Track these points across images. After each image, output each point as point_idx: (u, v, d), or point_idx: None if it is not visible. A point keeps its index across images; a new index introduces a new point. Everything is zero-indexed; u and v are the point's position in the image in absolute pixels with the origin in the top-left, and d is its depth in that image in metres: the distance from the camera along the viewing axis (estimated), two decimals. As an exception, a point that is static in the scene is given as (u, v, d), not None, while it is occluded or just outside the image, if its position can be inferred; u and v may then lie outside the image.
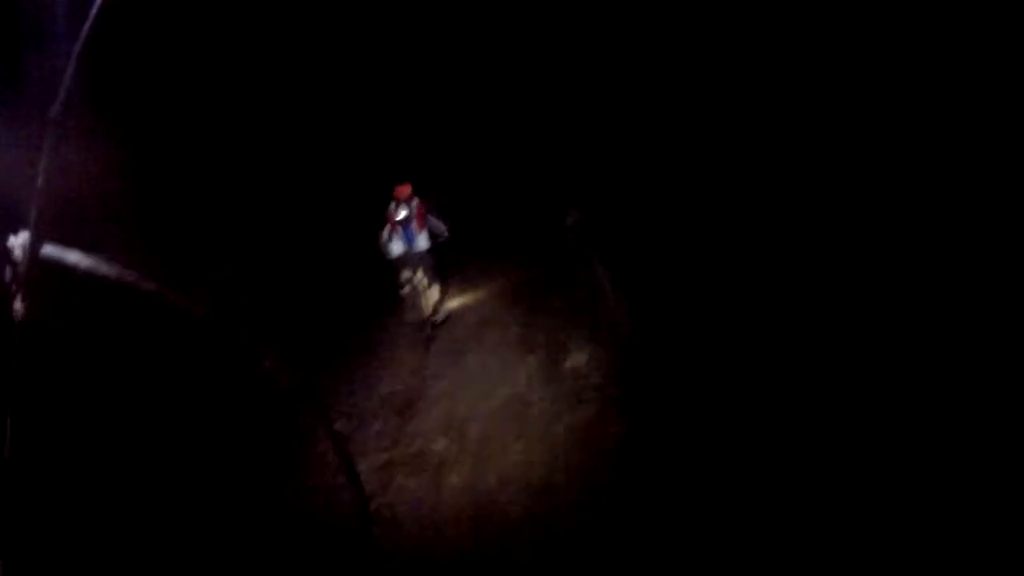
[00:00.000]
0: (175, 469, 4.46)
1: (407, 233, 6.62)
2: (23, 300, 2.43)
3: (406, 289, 6.60)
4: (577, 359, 5.36)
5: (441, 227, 6.75)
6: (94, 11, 2.71)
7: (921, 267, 4.09)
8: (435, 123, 8.11)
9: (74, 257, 2.55)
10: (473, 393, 5.46)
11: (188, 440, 4.69)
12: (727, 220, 5.45)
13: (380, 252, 6.66)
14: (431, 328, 6.72)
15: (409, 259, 6.55)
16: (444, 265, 7.10)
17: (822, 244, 4.70)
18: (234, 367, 4.61)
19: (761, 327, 4.51)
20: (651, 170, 6.41)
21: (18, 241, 2.53)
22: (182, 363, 5.09)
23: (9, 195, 2.94)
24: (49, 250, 2.53)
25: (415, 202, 6.66)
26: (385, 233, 6.63)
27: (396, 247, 6.65)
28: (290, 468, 4.88)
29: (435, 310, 6.84)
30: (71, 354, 4.31)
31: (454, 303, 7.00)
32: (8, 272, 2.45)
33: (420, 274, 6.60)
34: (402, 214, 6.64)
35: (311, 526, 4.16)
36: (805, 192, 5.00)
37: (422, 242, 6.67)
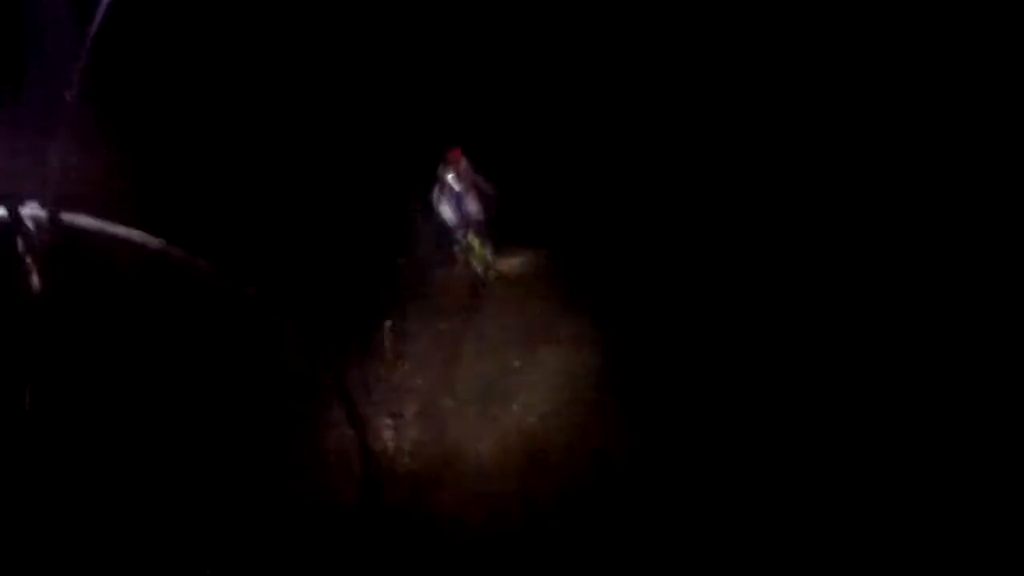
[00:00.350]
0: (189, 430, 3.11)
1: (458, 195, 6.31)
2: (38, 270, 2.58)
3: (456, 249, 6.40)
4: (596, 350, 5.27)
5: (489, 190, 6.52)
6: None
7: (921, 270, 4.05)
8: (484, 90, 6.75)
9: (84, 221, 2.74)
10: (499, 362, 5.30)
11: (200, 400, 3.18)
12: (730, 219, 5.32)
13: (432, 213, 6.25)
14: (481, 287, 6.46)
15: (460, 221, 6.42)
16: (493, 228, 6.53)
17: (821, 244, 4.66)
18: (245, 322, 3.19)
19: (765, 326, 4.48)
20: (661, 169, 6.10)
21: (28, 212, 2.51)
22: (192, 322, 3.08)
23: (17, 179, 2.21)
24: (60, 217, 2.65)
25: (465, 165, 6.40)
26: (435, 194, 6.42)
27: (447, 209, 6.34)
28: (303, 427, 3.80)
29: (486, 270, 6.52)
30: (86, 323, 2.60)
31: (504, 266, 6.53)
32: (21, 243, 2.51)
33: (471, 235, 6.47)
34: (452, 177, 6.30)
35: (321, 484, 3.53)
36: (805, 194, 4.92)
37: (472, 205, 6.37)
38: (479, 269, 6.49)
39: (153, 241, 2.88)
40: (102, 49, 2.49)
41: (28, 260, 2.43)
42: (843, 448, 3.62)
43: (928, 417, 3.57)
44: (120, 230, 2.68)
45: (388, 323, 5.88)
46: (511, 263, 6.51)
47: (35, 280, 2.48)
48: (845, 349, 4.00)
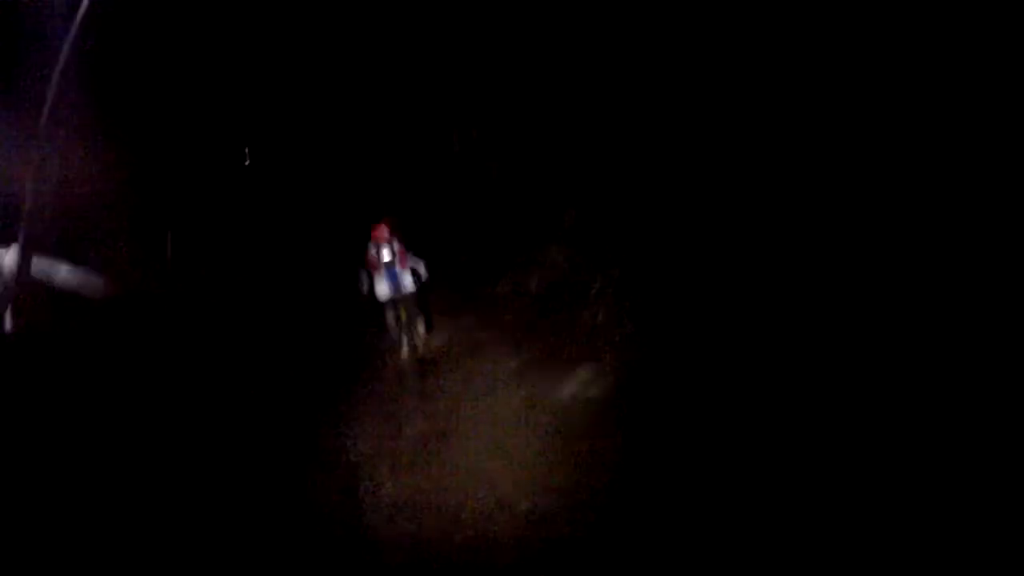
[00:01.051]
0: (172, 468, 3.25)
1: (391, 274, 6.25)
2: (13, 314, 2.60)
3: (393, 330, 6.35)
4: (574, 384, 5.28)
5: (420, 264, 6.59)
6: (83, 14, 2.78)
7: (924, 274, 4.06)
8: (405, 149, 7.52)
9: (63, 271, 2.78)
10: (468, 425, 5.29)
11: (185, 441, 3.37)
12: (727, 224, 5.33)
13: (361, 295, 6.25)
14: (421, 365, 6.42)
15: (396, 300, 6.39)
16: (426, 302, 6.74)
17: (824, 248, 4.65)
18: (224, 365, 3.49)
19: (761, 335, 4.48)
20: (647, 173, 6.18)
21: (7, 257, 2.58)
22: (173, 362, 3.42)
23: (15, 180, 2.39)
24: (38, 264, 2.70)
25: (395, 242, 6.44)
26: (364, 276, 6.40)
27: (382, 289, 6.28)
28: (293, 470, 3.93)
29: (425, 347, 6.53)
30: (62, 363, 2.86)
31: (443, 339, 6.66)
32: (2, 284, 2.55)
33: (405, 313, 6.46)
34: (385, 256, 6.27)
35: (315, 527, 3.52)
36: (809, 196, 4.91)
37: (407, 282, 6.32)
38: (407, 346, 6.34)
39: (135, 295, 2.92)
40: (101, 49, 2.67)
41: (2, 305, 2.49)
42: (844, 449, 3.61)
43: (928, 417, 3.54)
44: (100, 282, 2.74)
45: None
46: (451, 335, 6.52)
47: (7, 326, 2.52)
48: (846, 350, 3.98)
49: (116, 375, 3.64)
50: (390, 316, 6.29)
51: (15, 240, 2.48)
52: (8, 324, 2.54)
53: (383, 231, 6.29)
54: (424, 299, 6.57)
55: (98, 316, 3.10)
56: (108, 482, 3.33)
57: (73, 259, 2.56)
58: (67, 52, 2.42)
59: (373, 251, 6.25)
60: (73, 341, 3.20)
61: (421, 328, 6.46)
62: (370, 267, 6.26)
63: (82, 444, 3.28)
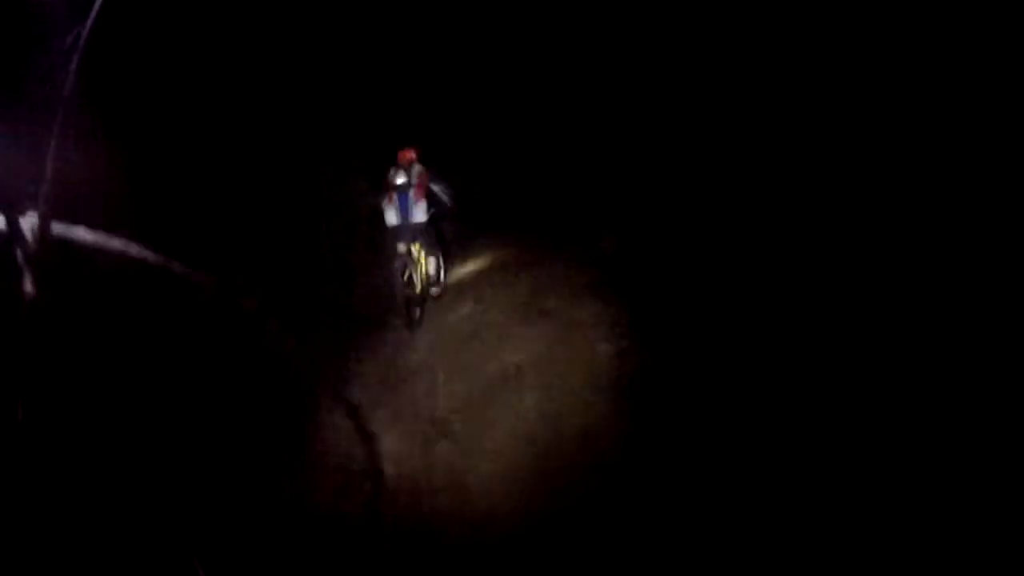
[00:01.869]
0: (185, 442, 3.08)
1: (403, 201, 5.89)
2: (33, 280, 2.58)
3: (398, 262, 5.89)
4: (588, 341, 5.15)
5: (444, 196, 6.18)
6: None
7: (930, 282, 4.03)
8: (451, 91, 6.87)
9: (81, 233, 2.75)
10: (470, 371, 5.13)
11: (198, 412, 3.16)
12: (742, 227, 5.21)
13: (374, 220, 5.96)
14: (423, 302, 6.12)
15: (404, 230, 5.96)
16: (446, 237, 6.43)
17: (812, 242, 4.68)
18: (241, 335, 3.21)
19: (776, 331, 4.41)
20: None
21: (27, 222, 2.51)
22: (191, 335, 3.11)
23: (13, 184, 2.25)
24: (57, 229, 2.66)
25: (417, 168, 6.04)
26: (383, 200, 6.03)
27: (390, 216, 5.93)
28: (302, 437, 3.70)
29: (431, 284, 6.19)
30: (81, 332, 2.63)
31: (453, 278, 6.32)
32: (19, 253, 2.51)
33: (416, 246, 6.02)
34: (399, 180, 5.93)
35: (322, 498, 3.39)
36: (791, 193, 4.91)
37: (419, 213, 5.93)
38: (417, 284, 5.98)
39: (151, 255, 2.88)
40: (100, 50, 2.54)
41: (25, 271, 2.43)
42: (845, 450, 3.64)
43: (928, 417, 3.59)
44: (117, 243, 2.69)
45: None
46: (462, 275, 6.28)
47: (31, 291, 2.47)
48: (848, 352, 3.99)
49: (138, 336, 3.58)
50: (399, 246, 5.87)
51: (37, 206, 2.40)
52: (29, 289, 2.49)
53: (406, 154, 5.95)
54: (442, 234, 6.33)
55: (118, 278, 3.01)
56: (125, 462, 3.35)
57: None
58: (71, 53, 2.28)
59: (391, 174, 5.93)
60: (94, 305, 3.10)
61: (431, 266, 6.12)
62: (384, 190, 5.91)
63: (103, 421, 3.26)
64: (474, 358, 5.35)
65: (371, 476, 3.80)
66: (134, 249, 2.73)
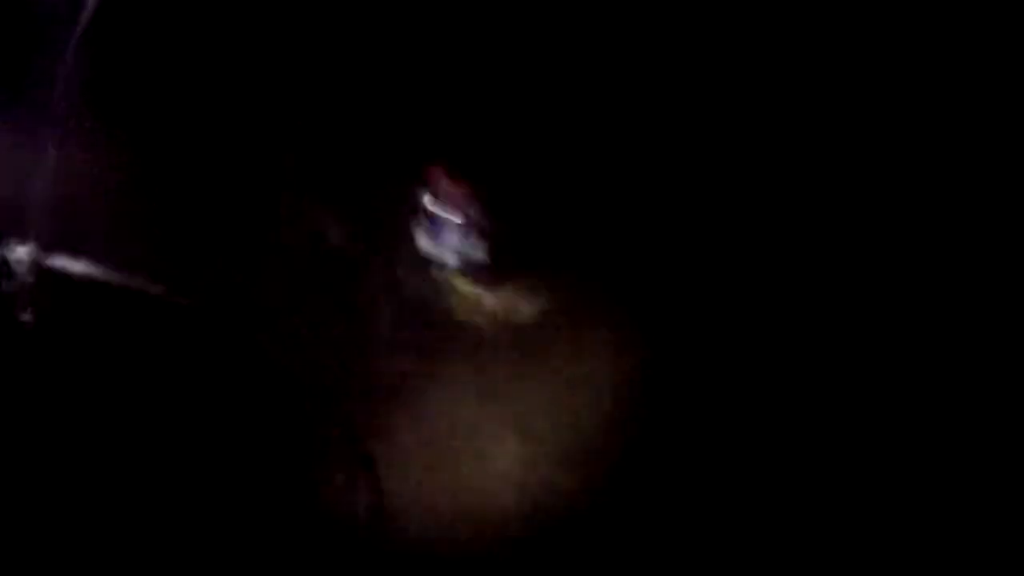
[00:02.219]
0: (182, 466, 3.31)
1: (445, 227, 4.96)
2: (30, 310, 2.57)
3: (450, 294, 4.88)
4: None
5: (479, 218, 4.99)
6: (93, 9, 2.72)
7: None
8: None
9: (80, 266, 2.72)
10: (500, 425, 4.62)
11: (195, 437, 3.42)
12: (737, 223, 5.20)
13: (412, 251, 4.78)
14: (480, 338, 5.20)
15: (451, 258, 4.79)
16: (488, 264, 5.42)
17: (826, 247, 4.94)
18: (242, 365, 3.48)
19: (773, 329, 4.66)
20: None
21: (22, 251, 2.53)
22: (190, 364, 3.47)
23: (10, 200, 2.38)
24: (54, 260, 2.66)
25: (447, 187, 4.79)
26: (418, 227, 4.71)
27: (434, 244, 4.91)
28: (300, 465, 3.83)
29: (485, 317, 5.25)
30: (79, 361, 2.93)
31: (502, 309, 5.39)
32: (15, 282, 2.52)
33: (464, 275, 4.86)
34: (434, 202, 4.94)
35: (319, 521, 3.47)
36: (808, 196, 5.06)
37: (453, 237, 5.05)
38: (461, 310, 5.11)
39: (154, 287, 2.85)
40: (100, 51, 2.61)
41: (18, 301, 2.46)
42: (846, 451, 3.17)
43: (928, 417, 3.09)
44: (119, 277, 2.67)
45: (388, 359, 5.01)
46: (504, 299, 5.32)
47: (26, 321, 2.49)
48: (850, 356, 3.40)
49: (131, 371, 3.58)
50: (441, 275, 5.33)
51: (27, 235, 2.44)
52: (27, 318, 2.50)
53: (438, 173, 5.32)
54: (485, 260, 5.59)
55: (118, 311, 3.06)
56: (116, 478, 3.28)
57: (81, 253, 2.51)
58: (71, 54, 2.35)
59: (421, 194, 5.33)
60: (92, 336, 3.16)
61: (482, 293, 5.42)
62: (415, 212, 5.32)
63: (93, 440, 3.26)
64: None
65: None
66: (137, 282, 2.70)
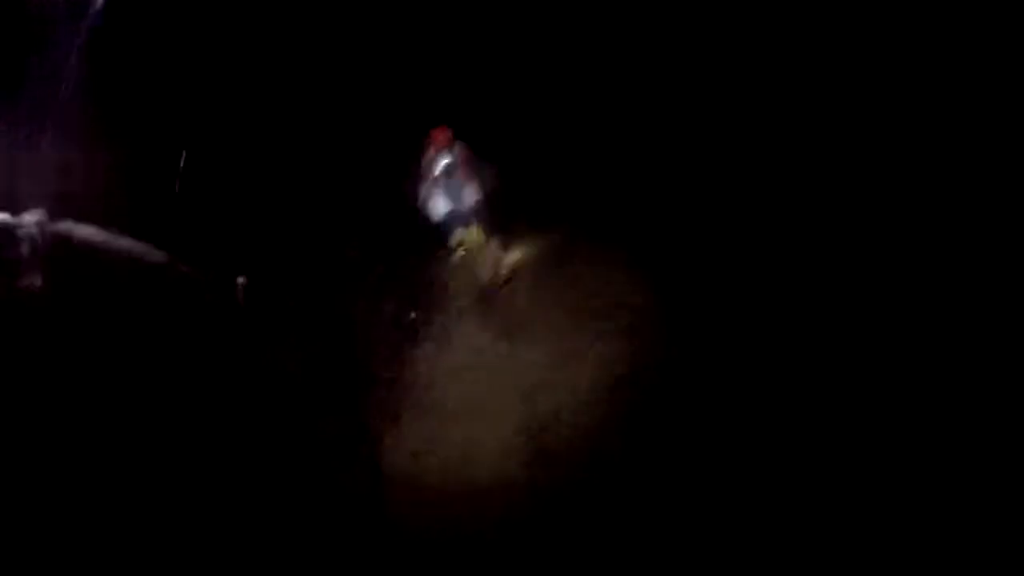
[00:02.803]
0: (187, 444, 2.97)
1: (452, 185, 5.09)
2: (40, 274, 2.61)
3: (460, 251, 5.12)
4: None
5: (486, 173, 5.34)
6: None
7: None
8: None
9: (86, 231, 2.78)
10: (523, 374, 4.60)
11: (201, 415, 3.04)
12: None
13: (419, 212, 5.07)
14: (496, 290, 5.15)
15: (458, 215, 5.17)
16: (497, 216, 5.39)
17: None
18: (245, 339, 3.10)
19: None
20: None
21: (32, 218, 2.56)
22: (194, 335, 3.03)
23: (18, 181, 2.30)
24: (62, 226, 2.70)
25: (457, 147, 5.21)
26: (423, 189, 5.15)
27: (440, 203, 5.09)
28: (307, 435, 3.50)
29: (494, 268, 5.18)
30: (86, 328, 2.61)
31: (512, 259, 5.26)
32: (25, 247, 2.55)
33: (474, 231, 5.21)
34: (444, 161, 5.10)
35: (327, 507, 3.21)
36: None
37: (471, 193, 5.14)
38: (484, 268, 5.15)
39: (156, 254, 2.93)
40: (100, 47, 2.60)
41: (29, 265, 2.47)
42: (846, 452, 3.49)
43: (928, 417, 3.43)
44: (123, 242, 2.73)
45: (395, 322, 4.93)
46: (519, 255, 5.27)
47: (35, 285, 2.51)
48: (850, 358, 3.81)
49: (141, 334, 3.49)
50: (454, 234, 5.14)
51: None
52: (37, 283, 2.53)
53: (442, 135, 5.14)
54: (492, 213, 5.39)
55: (123, 276, 2.98)
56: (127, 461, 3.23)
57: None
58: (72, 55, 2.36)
59: (429, 157, 5.13)
60: (99, 301, 3.06)
61: (491, 246, 5.22)
62: (423, 176, 5.13)
63: (105, 419, 3.18)
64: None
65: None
66: (139, 248, 2.77)
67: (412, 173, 5.17)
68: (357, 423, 3.98)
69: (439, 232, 5.13)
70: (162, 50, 4.51)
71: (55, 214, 2.60)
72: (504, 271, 5.25)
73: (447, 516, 3.87)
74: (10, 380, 2.56)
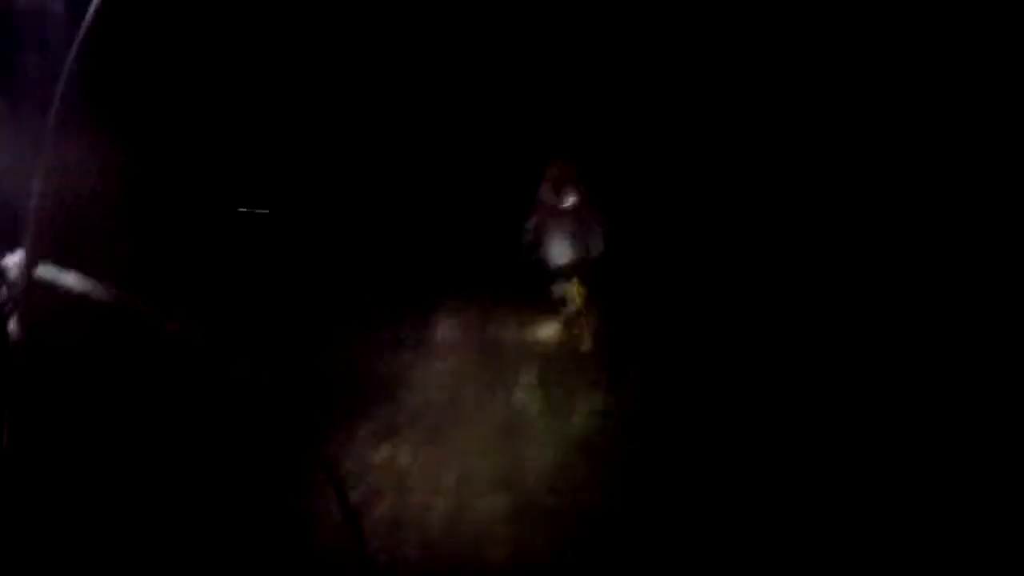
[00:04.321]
0: (166, 490, 3.04)
1: (576, 227, 4.53)
2: (19, 321, 2.51)
3: (568, 310, 4.54)
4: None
5: (599, 222, 4.75)
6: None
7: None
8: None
9: (70, 280, 2.66)
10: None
11: (180, 463, 3.11)
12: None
13: (523, 256, 4.52)
14: (580, 352, 4.66)
15: (573, 267, 4.58)
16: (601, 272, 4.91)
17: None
18: (230, 394, 3.13)
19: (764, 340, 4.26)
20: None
21: (13, 260, 2.46)
22: (178, 387, 3.16)
23: (4, 206, 2.28)
24: (45, 271, 2.59)
25: (582, 186, 4.60)
26: (533, 227, 4.55)
27: (561, 250, 4.53)
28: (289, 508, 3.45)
29: (591, 331, 4.64)
30: (67, 376, 2.71)
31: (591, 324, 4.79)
32: (3, 292, 2.45)
33: (579, 290, 4.62)
34: (570, 200, 4.52)
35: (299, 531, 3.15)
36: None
37: (597, 242, 4.59)
38: (583, 329, 4.49)
39: (143, 308, 2.80)
40: (102, 48, 2.55)
41: (6, 312, 2.38)
42: (846, 456, 3.64)
43: (928, 417, 3.62)
44: (106, 293, 2.62)
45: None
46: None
47: (16, 332, 2.41)
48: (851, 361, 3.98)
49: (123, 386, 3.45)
50: (566, 289, 4.55)
51: (18, 245, 2.36)
52: (15, 332, 2.43)
53: (564, 169, 4.55)
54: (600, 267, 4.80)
55: (105, 324, 2.93)
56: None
57: (72, 262, 2.44)
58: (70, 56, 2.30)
59: (548, 193, 4.52)
60: (81, 349, 3.05)
61: (593, 311, 4.63)
62: (543, 214, 4.50)
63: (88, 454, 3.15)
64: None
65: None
66: (123, 299, 2.65)
67: (522, 204, 4.59)
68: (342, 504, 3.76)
69: (538, 279, 4.57)
70: (168, 50, 4.27)
71: (35, 259, 2.48)
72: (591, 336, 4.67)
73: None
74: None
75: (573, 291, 4.55)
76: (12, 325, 2.43)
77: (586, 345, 4.59)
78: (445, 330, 4.80)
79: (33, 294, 2.45)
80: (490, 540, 3.75)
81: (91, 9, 2.50)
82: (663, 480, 3.85)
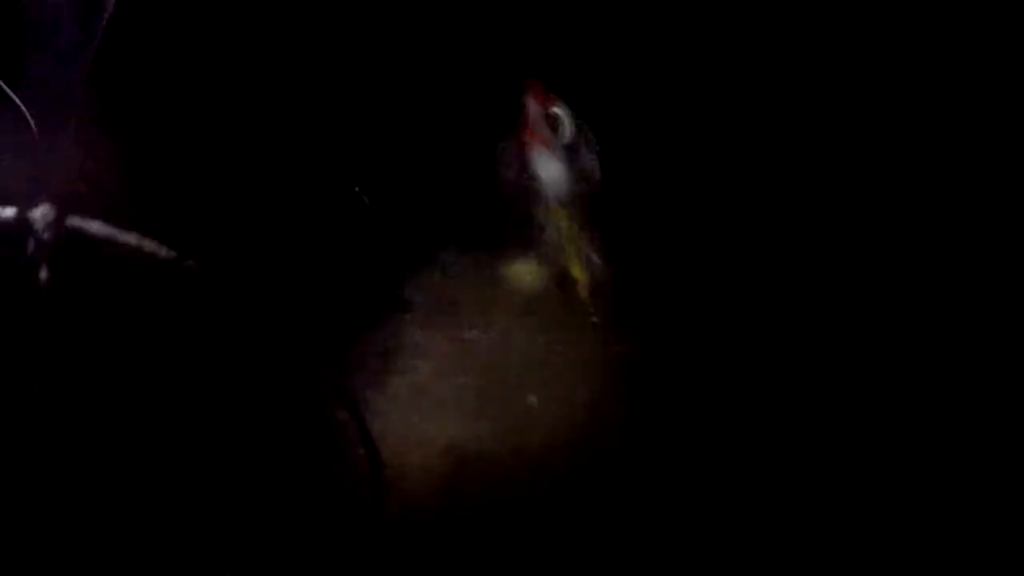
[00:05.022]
0: (190, 439, 3.04)
1: (567, 149, 3.88)
2: (48, 269, 2.60)
3: (548, 235, 3.68)
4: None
5: (591, 146, 3.60)
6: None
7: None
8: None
9: (95, 227, 2.76)
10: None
11: (204, 409, 3.09)
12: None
13: (504, 177, 3.74)
14: (579, 301, 3.94)
15: (560, 190, 3.40)
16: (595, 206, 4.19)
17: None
18: (251, 335, 3.09)
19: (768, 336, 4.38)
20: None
21: (40, 213, 2.55)
22: (200, 331, 3.08)
23: (26, 176, 2.30)
24: (71, 221, 2.69)
25: (559, 105, 3.46)
26: (513, 147, 3.30)
27: (549, 168, 3.76)
28: (306, 432, 3.29)
29: (590, 277, 3.95)
30: (94, 324, 2.67)
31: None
32: (32, 243, 2.54)
33: (568, 215, 3.48)
34: (561, 119, 3.80)
35: (325, 500, 3.12)
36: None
37: (587, 162, 3.99)
38: (577, 272, 4.11)
39: (163, 250, 2.90)
40: (108, 45, 2.55)
41: (36, 262, 2.45)
42: (845, 452, 3.44)
43: (928, 418, 3.51)
44: (131, 238, 2.70)
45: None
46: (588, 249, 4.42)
47: (43, 281, 2.49)
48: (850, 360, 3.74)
49: (149, 331, 3.45)
50: (540, 211, 4.29)
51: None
52: (46, 279, 2.51)
53: (539, 88, 4.35)
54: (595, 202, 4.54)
55: (132, 272, 2.92)
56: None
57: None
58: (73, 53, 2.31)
59: (534, 111, 4.36)
60: (108, 298, 3.03)
61: (584, 240, 4.32)
62: (528, 135, 4.34)
63: (112, 404, 3.19)
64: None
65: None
66: (147, 243, 2.74)
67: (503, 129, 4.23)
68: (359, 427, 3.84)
69: (521, 210, 4.17)
70: (176, 47, 4.41)
71: (63, 211, 2.56)
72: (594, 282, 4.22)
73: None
74: (15, 376, 2.55)
75: (560, 215, 3.98)
76: (43, 272, 2.52)
77: (577, 275, 3.91)
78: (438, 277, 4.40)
79: (63, 244, 2.53)
80: (490, 481, 3.74)
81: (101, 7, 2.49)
82: (662, 434, 3.73)
